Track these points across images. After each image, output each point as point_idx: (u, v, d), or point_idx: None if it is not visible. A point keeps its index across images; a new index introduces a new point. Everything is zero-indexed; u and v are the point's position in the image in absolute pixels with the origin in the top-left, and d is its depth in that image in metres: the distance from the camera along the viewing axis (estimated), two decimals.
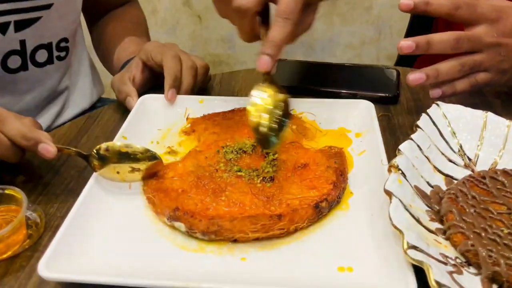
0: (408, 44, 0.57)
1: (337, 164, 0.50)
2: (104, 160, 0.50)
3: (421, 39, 0.58)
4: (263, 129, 0.51)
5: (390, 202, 0.43)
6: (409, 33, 1.21)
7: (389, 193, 0.44)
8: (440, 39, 0.58)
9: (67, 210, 0.51)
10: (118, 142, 0.54)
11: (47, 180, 0.55)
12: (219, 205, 0.46)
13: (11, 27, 0.73)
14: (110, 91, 1.04)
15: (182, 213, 0.46)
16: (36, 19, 0.75)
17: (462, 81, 0.61)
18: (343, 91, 0.69)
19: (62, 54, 0.84)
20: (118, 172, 0.51)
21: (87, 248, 0.44)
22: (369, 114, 0.60)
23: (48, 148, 0.50)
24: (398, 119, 0.65)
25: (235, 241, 0.45)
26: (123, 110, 0.68)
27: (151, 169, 0.51)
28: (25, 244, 0.47)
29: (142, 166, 0.51)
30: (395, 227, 0.40)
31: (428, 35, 0.58)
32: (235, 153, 0.53)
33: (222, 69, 1.74)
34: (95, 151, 0.51)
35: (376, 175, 0.50)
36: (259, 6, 0.55)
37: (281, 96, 0.55)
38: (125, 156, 0.51)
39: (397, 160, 0.47)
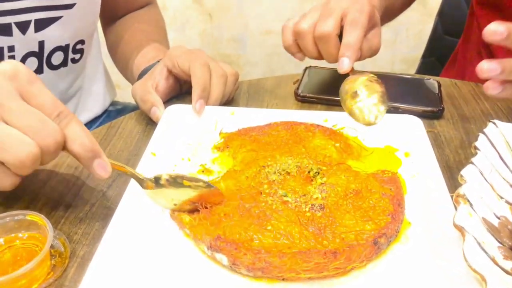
0: (498, 29, 0.48)
1: (393, 192, 0.45)
2: (159, 185, 0.45)
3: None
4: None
5: (464, 239, 0.38)
6: (431, 41, 1.16)
7: (460, 229, 0.39)
8: None
9: (93, 237, 0.46)
10: (180, 174, 0.47)
11: (68, 202, 0.50)
12: (265, 236, 0.41)
13: (32, 27, 0.69)
14: (122, 95, 1.00)
15: (224, 243, 0.41)
16: (57, 19, 0.71)
17: None
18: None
19: (77, 56, 0.79)
20: (175, 204, 0.46)
21: (120, 285, 0.39)
22: (418, 131, 0.56)
23: (105, 165, 0.44)
24: (445, 136, 0.60)
25: (283, 279, 0.40)
26: (146, 120, 0.63)
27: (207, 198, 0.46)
28: (49, 277, 0.42)
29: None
30: (475, 271, 0.36)
31: None
32: (278, 174, 0.49)
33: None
34: (154, 178, 0.46)
35: (435, 202, 0.46)
36: (339, 29, 0.60)
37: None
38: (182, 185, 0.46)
39: (464, 190, 0.43)
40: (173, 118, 0.59)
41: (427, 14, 1.43)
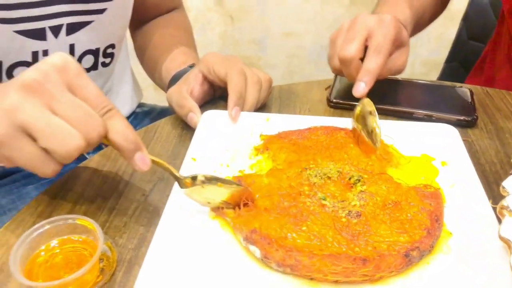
0: None
1: (433, 208, 0.46)
2: (195, 185, 0.47)
3: None
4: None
5: (510, 252, 0.39)
6: (455, 45, 1.16)
7: (507, 241, 0.40)
8: None
9: (138, 241, 0.47)
10: (215, 176, 0.48)
11: (111, 207, 0.51)
12: (299, 235, 0.42)
13: (63, 30, 0.70)
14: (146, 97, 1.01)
15: (259, 236, 0.42)
16: (88, 23, 0.72)
17: None
18: (416, 111, 0.65)
19: (107, 60, 0.80)
20: (209, 203, 0.47)
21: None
22: (454, 141, 0.56)
23: (145, 159, 0.45)
24: (479, 145, 0.60)
25: (311, 279, 0.41)
26: (182, 125, 0.64)
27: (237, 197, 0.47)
28: (98, 281, 0.43)
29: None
30: None
31: None
32: (319, 177, 0.49)
33: None
34: (191, 177, 0.47)
35: (476, 213, 0.46)
36: (361, 54, 0.62)
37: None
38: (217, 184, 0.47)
39: (508, 201, 0.43)
40: (209, 123, 0.60)
41: (449, 18, 1.43)
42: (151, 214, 0.50)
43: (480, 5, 1.12)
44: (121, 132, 0.44)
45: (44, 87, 0.42)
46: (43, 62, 0.43)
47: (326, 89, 0.72)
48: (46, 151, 0.42)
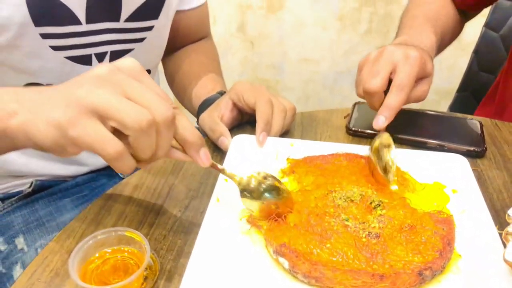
0: None
1: (445, 232, 0.50)
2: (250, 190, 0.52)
3: None
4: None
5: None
6: (467, 76, 1.21)
7: (511, 264, 0.44)
8: None
9: (177, 252, 0.52)
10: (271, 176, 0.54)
11: (151, 220, 0.57)
12: (324, 251, 0.48)
13: (107, 57, 0.76)
14: None
15: (288, 250, 0.47)
16: (129, 51, 0.79)
17: None
18: (429, 141, 0.70)
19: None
20: (262, 203, 0.52)
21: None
22: (464, 170, 0.61)
23: (208, 155, 0.48)
24: (488, 175, 0.65)
25: None
26: (214, 148, 0.70)
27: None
28: (143, 287, 0.48)
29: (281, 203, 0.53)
30: None
31: None
32: (343, 200, 0.55)
33: None
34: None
35: (483, 237, 0.51)
36: (384, 87, 0.65)
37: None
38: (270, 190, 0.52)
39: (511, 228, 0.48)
40: (239, 147, 0.65)
41: (461, 49, 1.48)
42: (187, 228, 0.56)
43: (491, 38, 1.17)
44: (190, 127, 0.47)
45: (115, 77, 0.44)
46: (113, 62, 0.46)
47: (345, 117, 0.77)
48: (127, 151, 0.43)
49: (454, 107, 1.23)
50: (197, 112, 0.82)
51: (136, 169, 0.60)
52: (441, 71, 1.57)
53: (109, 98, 0.42)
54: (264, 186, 0.52)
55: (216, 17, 1.62)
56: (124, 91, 0.43)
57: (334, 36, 1.59)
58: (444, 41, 0.88)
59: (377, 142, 0.63)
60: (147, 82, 0.45)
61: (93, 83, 0.43)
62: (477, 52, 1.20)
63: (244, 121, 0.76)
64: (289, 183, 0.60)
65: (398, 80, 0.64)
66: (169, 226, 0.56)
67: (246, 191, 0.52)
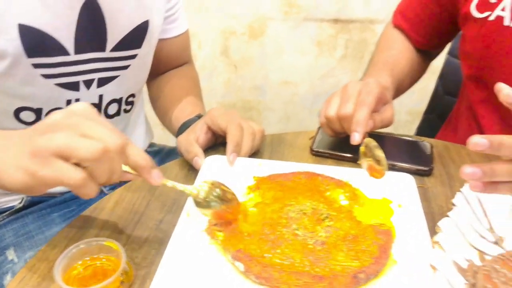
0: (480, 143, 0.51)
1: (383, 242, 0.58)
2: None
3: (495, 140, 0.52)
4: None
5: (435, 276, 0.51)
6: (433, 99, 1.30)
7: (433, 268, 0.52)
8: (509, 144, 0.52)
9: (150, 260, 0.59)
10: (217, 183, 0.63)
11: (130, 231, 0.64)
12: (274, 256, 0.55)
13: (95, 83, 0.84)
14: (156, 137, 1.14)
15: (243, 255, 0.55)
16: (115, 77, 0.86)
17: (507, 187, 0.55)
18: None
19: (128, 107, 0.94)
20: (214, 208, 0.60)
21: None
22: (410, 187, 0.69)
23: (160, 175, 0.56)
24: (433, 191, 0.73)
25: None
26: (189, 167, 0.77)
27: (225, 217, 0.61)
28: None
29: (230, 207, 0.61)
30: None
31: (500, 137, 0.52)
32: (296, 212, 0.62)
33: (252, 114, 1.84)
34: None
35: (418, 246, 0.58)
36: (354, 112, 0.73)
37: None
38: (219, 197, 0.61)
39: (438, 237, 0.55)
40: (211, 166, 0.73)
41: (431, 72, 1.58)
42: (161, 239, 0.63)
43: (454, 64, 1.26)
44: (139, 154, 0.54)
45: (70, 120, 0.51)
46: (68, 107, 0.54)
47: (310, 139, 0.85)
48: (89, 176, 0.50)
49: (421, 127, 1.32)
50: (177, 134, 0.89)
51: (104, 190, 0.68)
52: (413, 93, 1.66)
53: (67, 140, 0.49)
54: (214, 194, 0.60)
55: (201, 42, 1.71)
56: (79, 130, 0.50)
57: (312, 61, 1.69)
58: (404, 84, 0.97)
59: (362, 148, 0.71)
60: (99, 120, 0.53)
61: (52, 130, 0.50)
62: (441, 76, 1.29)
63: (218, 143, 0.83)
64: (254, 199, 0.68)
65: (361, 99, 0.73)
66: (144, 237, 0.63)
67: (199, 200, 0.59)
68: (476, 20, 0.83)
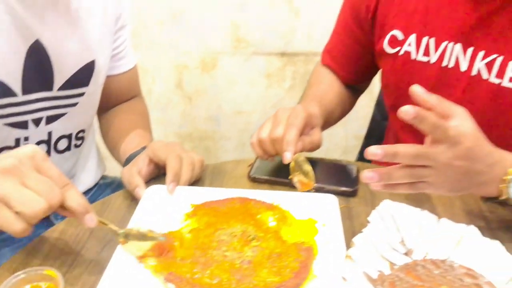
0: (376, 153, 0.62)
1: (304, 258, 0.64)
2: (128, 238, 0.65)
3: (389, 149, 0.62)
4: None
5: (345, 286, 0.57)
6: (371, 124, 1.40)
7: (344, 279, 0.58)
8: (404, 152, 0.62)
9: (90, 286, 0.63)
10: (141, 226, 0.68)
11: (71, 261, 0.68)
12: (204, 276, 0.61)
13: (43, 121, 0.88)
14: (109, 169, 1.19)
15: (174, 277, 0.60)
16: (63, 114, 0.91)
17: (404, 187, 0.66)
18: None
19: (79, 142, 0.99)
20: (137, 250, 0.65)
21: None
22: (333, 207, 0.75)
23: (93, 219, 0.62)
24: (357, 210, 0.80)
25: None
26: (132, 198, 0.82)
27: (162, 249, 0.66)
28: None
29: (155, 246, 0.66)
30: None
31: (396, 146, 0.63)
32: (227, 235, 0.68)
33: (207, 144, 1.91)
34: (123, 232, 0.66)
35: (336, 262, 0.64)
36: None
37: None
38: (145, 237, 0.66)
39: (350, 251, 0.62)
40: (152, 196, 0.78)
41: (373, 100, 1.68)
42: (101, 267, 0.66)
43: None
44: (75, 199, 0.61)
45: (18, 169, 0.58)
46: (17, 151, 0.60)
47: (248, 166, 0.92)
48: (18, 215, 0.57)
49: (362, 151, 1.41)
50: (123, 166, 0.94)
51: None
52: (358, 119, 1.76)
53: (10, 190, 0.56)
54: (138, 236, 0.66)
55: (156, 77, 1.78)
56: (24, 182, 0.57)
57: (263, 91, 1.78)
58: (334, 115, 1.05)
59: (292, 163, 0.78)
60: (45, 167, 0.59)
61: (0, 176, 0.56)
62: (378, 103, 1.39)
63: (161, 174, 0.88)
64: (190, 225, 0.73)
65: (289, 122, 0.81)
66: (85, 266, 0.67)
67: (128, 238, 0.66)
68: (389, 55, 0.93)
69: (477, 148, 0.64)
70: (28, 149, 0.60)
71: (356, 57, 1.04)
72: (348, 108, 1.13)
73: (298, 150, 0.80)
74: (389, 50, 0.92)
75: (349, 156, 1.81)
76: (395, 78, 0.93)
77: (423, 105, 0.62)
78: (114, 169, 1.20)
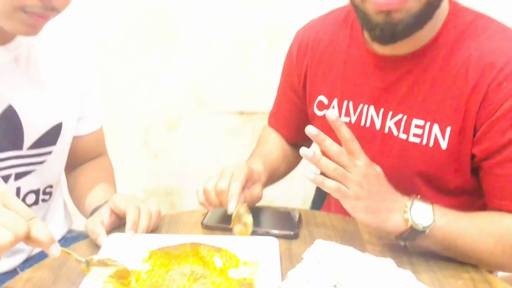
0: (305, 153, 0.78)
1: None
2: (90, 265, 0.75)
3: (315, 156, 0.79)
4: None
5: None
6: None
7: None
8: (330, 145, 0.78)
9: None
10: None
11: None
12: None
13: (12, 177, 0.96)
14: (76, 223, 1.26)
15: None
16: (32, 171, 0.99)
17: (330, 185, 0.79)
18: (259, 229, 0.94)
19: (47, 197, 1.06)
20: (99, 276, 0.74)
21: None
22: (274, 249, 0.86)
23: (58, 249, 0.69)
24: (296, 252, 0.90)
25: None
26: (94, 246, 0.90)
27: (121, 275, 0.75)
28: None
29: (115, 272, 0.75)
30: None
31: (320, 157, 0.79)
32: (178, 275, 0.77)
33: (173, 198, 2.00)
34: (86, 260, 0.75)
35: None
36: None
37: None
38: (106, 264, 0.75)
39: (283, 283, 0.72)
40: (113, 243, 0.86)
41: None
42: None
43: None
44: (41, 231, 0.67)
45: None
46: None
47: (202, 215, 1.02)
48: None
49: (315, 199, 1.52)
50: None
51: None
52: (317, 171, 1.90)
53: None
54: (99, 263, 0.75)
55: (123, 134, 1.89)
56: None
57: (225, 147, 1.91)
58: (279, 171, 1.17)
59: (234, 213, 0.89)
60: (12, 203, 0.67)
61: None
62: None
63: (123, 224, 0.97)
64: (146, 268, 0.81)
65: (234, 176, 0.93)
66: None
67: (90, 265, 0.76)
68: (319, 117, 1.07)
69: (384, 180, 0.82)
70: None
71: (295, 119, 1.18)
72: (294, 164, 1.26)
73: (240, 202, 0.91)
74: (318, 113, 1.07)
75: (308, 205, 1.92)
76: None
77: (337, 133, 0.79)
78: (80, 224, 1.27)
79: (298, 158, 1.27)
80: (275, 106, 1.24)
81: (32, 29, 0.82)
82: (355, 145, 0.79)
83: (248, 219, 0.89)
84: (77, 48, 1.06)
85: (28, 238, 0.66)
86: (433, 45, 0.90)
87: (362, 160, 0.79)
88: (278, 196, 1.74)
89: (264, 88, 1.78)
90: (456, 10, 0.91)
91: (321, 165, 0.79)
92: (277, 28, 1.82)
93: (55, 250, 0.69)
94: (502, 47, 0.85)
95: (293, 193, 1.98)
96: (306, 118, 1.13)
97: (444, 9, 0.89)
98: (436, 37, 0.90)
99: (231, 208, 0.90)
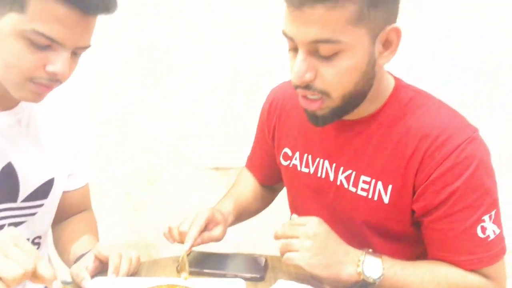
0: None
1: None
2: None
3: (281, 233, 0.99)
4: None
5: None
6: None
7: None
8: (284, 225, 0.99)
9: None
10: None
11: None
12: None
13: (5, 228, 1.05)
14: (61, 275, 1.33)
15: None
16: (23, 222, 1.09)
17: (295, 255, 0.94)
18: (228, 272, 1.05)
19: (35, 247, 1.15)
20: None
21: None
22: None
23: (59, 285, 0.77)
24: None
25: None
26: None
27: None
28: None
29: None
30: None
31: (282, 232, 0.99)
32: None
33: (150, 251, 2.08)
34: None
35: None
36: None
37: None
38: None
39: None
40: (96, 286, 0.96)
41: None
42: None
43: None
44: (46, 269, 0.75)
45: (1, 245, 0.72)
46: (1, 232, 0.77)
47: (179, 260, 1.12)
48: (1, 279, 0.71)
49: None
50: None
51: None
52: None
53: None
54: None
55: (104, 190, 2.00)
56: (5, 254, 0.72)
57: (202, 199, 2.03)
58: (248, 211, 1.31)
59: (182, 255, 1.03)
60: (20, 243, 0.77)
61: None
62: None
63: (106, 269, 1.07)
64: None
65: (194, 220, 1.07)
66: None
67: None
68: (284, 166, 1.21)
69: (333, 235, 0.95)
70: (10, 231, 0.79)
71: (267, 164, 1.32)
72: (266, 203, 1.40)
73: (197, 244, 1.05)
74: (284, 162, 1.21)
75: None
76: (289, 184, 1.22)
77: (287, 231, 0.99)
78: (63, 276, 1.35)
79: (269, 198, 1.40)
80: (251, 150, 1.38)
81: (38, 97, 0.95)
82: (299, 224, 0.99)
83: (187, 268, 1.03)
84: (73, 113, 1.19)
85: (34, 275, 0.75)
86: (379, 113, 1.03)
87: (310, 223, 0.97)
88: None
89: (240, 144, 1.95)
90: (400, 86, 1.04)
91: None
92: (253, 87, 2.02)
93: (57, 286, 0.78)
94: (435, 121, 0.98)
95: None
96: (276, 164, 1.27)
97: (389, 85, 1.03)
98: (382, 107, 1.03)
99: (185, 249, 1.04)
